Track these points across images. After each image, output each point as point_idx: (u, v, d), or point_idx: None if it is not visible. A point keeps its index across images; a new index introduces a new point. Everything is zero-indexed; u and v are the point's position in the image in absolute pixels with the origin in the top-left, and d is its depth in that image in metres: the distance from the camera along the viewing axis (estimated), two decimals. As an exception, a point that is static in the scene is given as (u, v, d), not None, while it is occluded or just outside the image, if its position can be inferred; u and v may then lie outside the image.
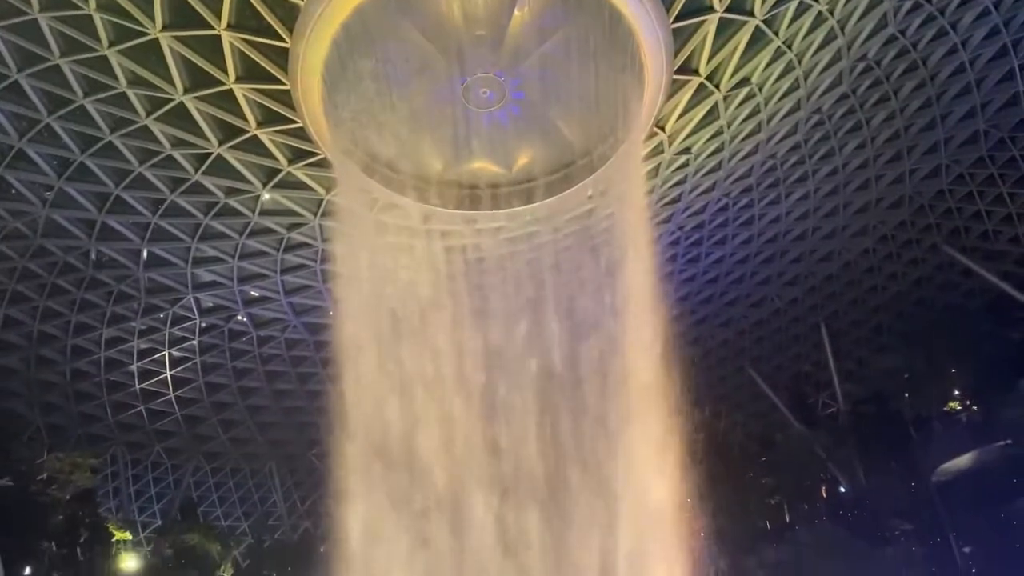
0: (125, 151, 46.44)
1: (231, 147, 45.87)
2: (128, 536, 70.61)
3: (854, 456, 66.65)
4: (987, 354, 59.70)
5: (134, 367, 68.62)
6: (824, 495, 71.41)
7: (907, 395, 64.26)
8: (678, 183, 55.36)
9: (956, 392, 67.03)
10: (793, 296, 73.96)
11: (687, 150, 51.05)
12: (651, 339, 36.63)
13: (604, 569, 36.07)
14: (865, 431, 65.64)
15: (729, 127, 49.95)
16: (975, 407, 64.84)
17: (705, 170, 54.63)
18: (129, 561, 67.82)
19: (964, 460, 59.91)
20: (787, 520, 70.55)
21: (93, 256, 57.07)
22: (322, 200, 51.88)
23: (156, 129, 44.30)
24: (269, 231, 55.62)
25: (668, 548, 34.63)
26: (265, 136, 44.82)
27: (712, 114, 47.92)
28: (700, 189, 57.12)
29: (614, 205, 47.52)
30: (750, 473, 71.63)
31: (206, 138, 45.08)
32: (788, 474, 68.48)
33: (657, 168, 51.73)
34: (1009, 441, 56.07)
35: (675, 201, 57.75)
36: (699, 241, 64.12)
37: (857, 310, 75.01)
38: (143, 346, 67.48)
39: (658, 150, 49.49)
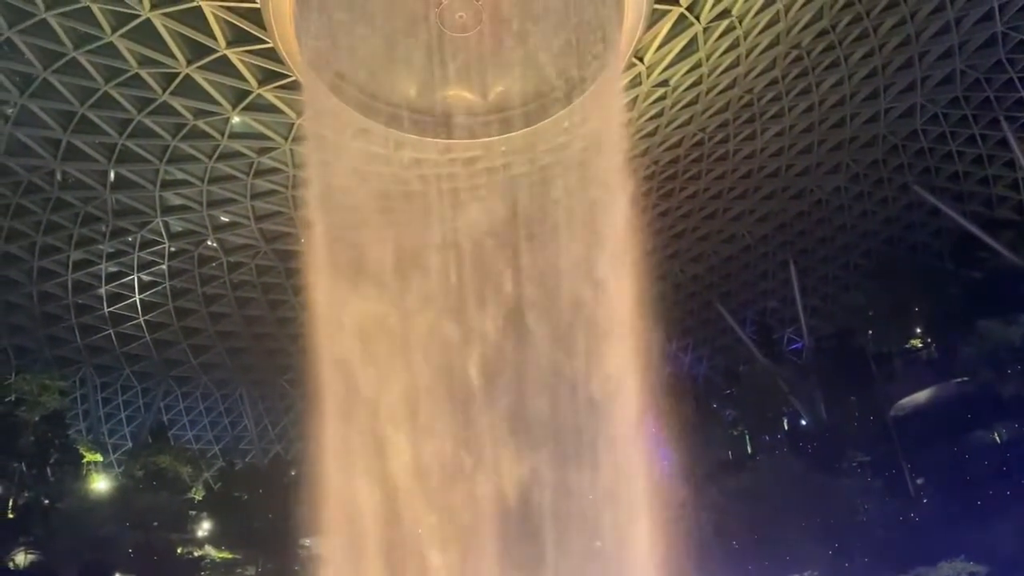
0: (90, 68, 45.08)
1: (199, 67, 44.64)
2: (99, 457, 71.00)
3: (816, 390, 68.39)
4: (949, 293, 61.01)
5: (102, 290, 67.94)
6: (785, 427, 73.30)
7: (870, 332, 65.67)
8: (655, 116, 55.01)
9: (918, 330, 68.54)
10: (764, 233, 74.55)
11: (665, 83, 50.58)
12: (625, 273, 36.83)
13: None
14: (828, 366, 67.21)
15: (708, 60, 49.50)
16: (935, 345, 66.42)
17: (682, 104, 54.29)
18: (100, 482, 68.27)
19: (922, 396, 61.77)
20: (749, 451, 72.49)
21: (59, 176, 55.88)
22: (293, 124, 50.95)
23: (122, 46, 42.93)
24: (239, 155, 54.66)
25: (635, 479, 35.55)
26: (235, 56, 43.64)
27: (691, 46, 47.39)
28: (677, 123, 56.85)
29: (591, 137, 47.08)
30: (714, 405, 73.30)
31: (174, 57, 43.81)
32: (751, 406, 70.13)
33: (635, 101, 51.30)
34: (965, 378, 57.69)
35: (651, 135, 57.46)
36: (674, 176, 64.09)
37: (826, 248, 75.85)
38: (111, 269, 66.73)
39: (636, 82, 49.00)
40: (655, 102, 52.89)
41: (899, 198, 68.51)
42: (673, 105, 54.01)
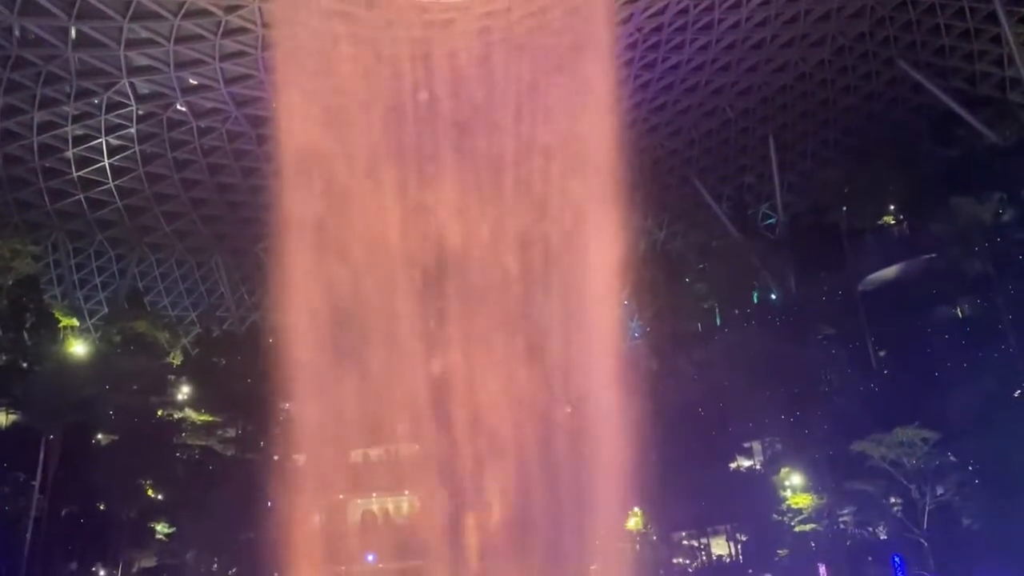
0: (42, -87, 42.50)
1: (160, -86, 42.28)
2: (75, 322, 70.88)
3: (788, 265, 69.20)
4: (925, 170, 61.04)
5: (70, 153, 66.35)
6: (755, 301, 74.49)
7: (845, 208, 65.87)
8: (639, -21, 53.22)
9: (892, 207, 68.87)
10: (745, 106, 73.62)
11: (650, -57, 48.66)
12: (604, 141, 36.51)
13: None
14: (801, 242, 67.82)
15: (696, -80, 47.53)
16: (907, 222, 67.01)
17: (667, -33, 52.45)
18: (77, 346, 68.60)
19: (890, 271, 62.82)
20: (717, 323, 73.87)
21: (17, 32, 53.47)
22: (262, -20, 48.83)
23: None
24: (206, 13, 52.62)
25: (604, 346, 36.39)
26: (197, -97, 41.25)
27: (679, -96, 45.37)
28: (661, -12, 55.06)
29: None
30: (686, 279, 74.13)
31: (132, -98, 41.37)
32: (722, 280, 70.94)
33: (618, -38, 49.47)
34: (934, 255, 58.55)
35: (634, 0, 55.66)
36: (656, 45, 62.54)
37: (807, 123, 75.10)
38: (78, 132, 64.97)
39: (620, -58, 47.09)
40: (640, -35, 51.01)
41: (883, 73, 67.52)
42: (658, -32, 52.14)
